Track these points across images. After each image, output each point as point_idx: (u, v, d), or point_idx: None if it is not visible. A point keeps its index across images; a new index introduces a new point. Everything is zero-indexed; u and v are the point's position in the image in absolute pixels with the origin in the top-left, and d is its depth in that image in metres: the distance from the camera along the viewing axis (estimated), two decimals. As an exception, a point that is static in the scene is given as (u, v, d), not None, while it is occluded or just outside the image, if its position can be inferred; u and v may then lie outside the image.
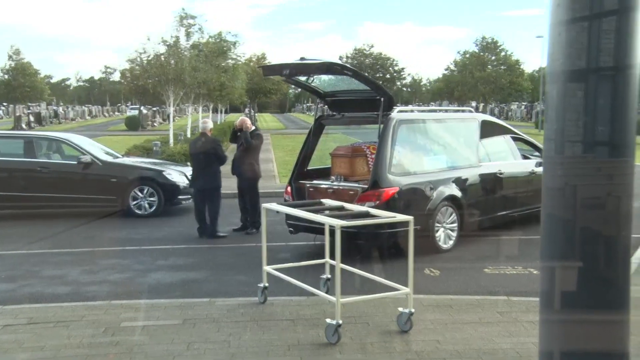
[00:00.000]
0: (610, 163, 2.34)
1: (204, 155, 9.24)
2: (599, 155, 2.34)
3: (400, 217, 5.23)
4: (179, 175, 11.57)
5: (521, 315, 5.26)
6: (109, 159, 11.80)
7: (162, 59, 22.40)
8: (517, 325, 5.06)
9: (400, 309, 5.02)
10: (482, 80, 58.32)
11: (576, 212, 2.40)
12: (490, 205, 8.70)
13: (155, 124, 52.51)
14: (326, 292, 5.70)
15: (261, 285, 5.82)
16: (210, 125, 9.78)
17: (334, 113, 8.85)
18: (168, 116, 30.15)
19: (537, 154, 9.97)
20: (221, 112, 51.11)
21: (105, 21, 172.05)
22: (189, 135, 26.33)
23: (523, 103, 60.16)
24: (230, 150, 17.30)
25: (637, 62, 2.30)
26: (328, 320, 4.76)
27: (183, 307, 5.68)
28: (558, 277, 2.49)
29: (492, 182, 8.79)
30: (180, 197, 11.46)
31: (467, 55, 62.48)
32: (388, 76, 68.97)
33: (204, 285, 6.72)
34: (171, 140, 23.16)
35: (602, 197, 2.37)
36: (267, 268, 5.85)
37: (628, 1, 2.25)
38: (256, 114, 57.25)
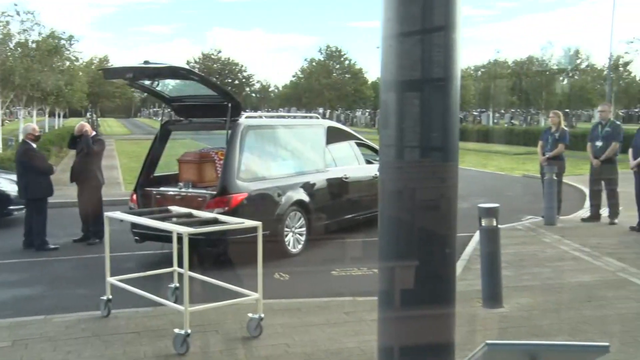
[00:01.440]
0: (443, 167, 2.50)
1: (23, 164, 8.62)
2: (434, 159, 2.49)
3: (249, 222, 5.22)
4: (10, 183, 10.56)
5: (366, 315, 5.48)
6: None
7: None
8: (362, 324, 5.27)
9: (250, 315, 5.00)
10: (328, 88, 60.33)
11: (414, 213, 2.53)
12: (337, 209, 8.99)
13: (-19, 128, 47.51)
14: (174, 302, 5.52)
15: (104, 297, 5.49)
16: (30, 129, 9.00)
17: (181, 118, 8.63)
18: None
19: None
20: (59, 116, 47.61)
21: None
22: (20, 140, 24.20)
23: (367, 110, 63.14)
24: (70, 156, 16.17)
25: (459, 73, 2.50)
26: (176, 330, 4.61)
27: (13, 327, 5.18)
28: (397, 276, 2.62)
29: (338, 187, 9.09)
30: (11, 207, 10.47)
31: (314, 63, 64.36)
32: (237, 82, 68.89)
33: (39, 301, 6.18)
34: (0, 146, 21.14)
35: (436, 199, 2.52)
36: (111, 279, 5.53)
37: (452, 19, 2.44)
38: (98, 119, 54.17)
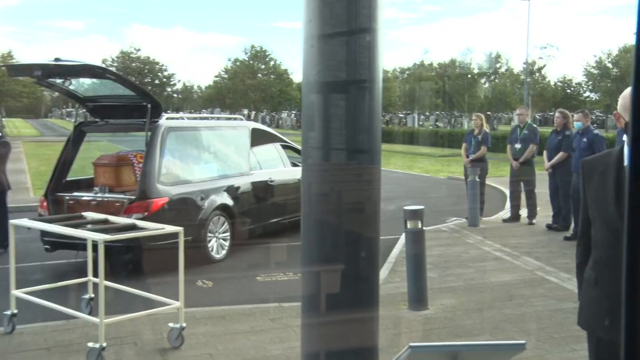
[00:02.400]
0: (368, 169, 2.54)
1: None
2: (361, 161, 2.52)
3: (169, 228, 5.10)
4: None
5: (292, 321, 5.48)
6: None
7: None
8: (288, 330, 5.26)
9: (171, 325, 4.88)
10: (252, 88, 60.04)
11: (341, 216, 2.55)
12: (262, 213, 8.95)
13: None
14: (89, 314, 5.31)
15: (8, 312, 5.20)
16: None
17: (97, 119, 8.33)
18: None
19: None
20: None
21: None
22: None
23: (292, 112, 63.35)
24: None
25: (381, 75, 2.55)
26: (90, 344, 4.43)
27: None
28: (321, 280, 2.63)
29: (263, 190, 9.05)
30: None
31: (238, 63, 63.88)
32: (157, 82, 67.31)
33: None
34: None
35: (362, 201, 2.55)
36: (16, 292, 5.25)
37: (375, 21, 2.49)
38: (3, 119, 51.48)
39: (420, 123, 52.49)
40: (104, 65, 7.69)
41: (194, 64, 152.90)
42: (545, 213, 10.27)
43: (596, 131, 9.23)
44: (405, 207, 5.93)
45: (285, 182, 9.55)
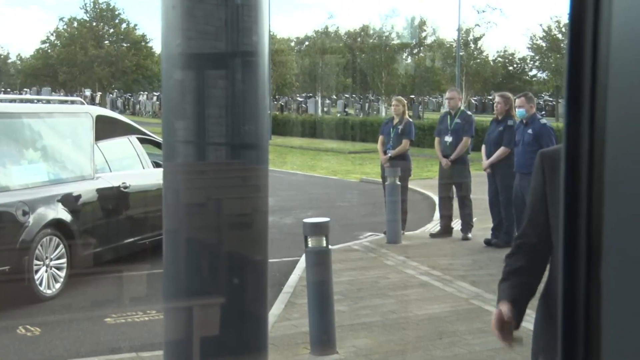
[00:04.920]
0: (256, 171, 2.54)
1: None
2: (247, 160, 2.53)
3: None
4: None
5: (155, 375, 5.40)
6: None
7: None
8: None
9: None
10: (98, 61, 58.44)
11: (220, 233, 2.55)
12: (112, 231, 8.75)
13: None
14: None
15: None
16: None
17: None
18: None
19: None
20: None
21: None
22: None
23: (155, 93, 62.18)
24: None
25: (268, 47, 2.56)
26: None
27: None
28: (196, 319, 2.61)
29: (114, 200, 8.86)
30: None
31: (75, 24, 61.92)
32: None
33: None
34: None
35: (249, 213, 2.56)
36: None
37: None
38: None
39: (325, 109, 53.23)
40: None
41: (8, 23, 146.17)
42: (483, 225, 10.70)
43: (544, 120, 9.65)
44: (306, 220, 5.99)
45: (145, 189, 9.38)
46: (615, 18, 0.81)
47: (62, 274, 7.94)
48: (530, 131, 9.13)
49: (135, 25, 64.02)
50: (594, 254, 0.84)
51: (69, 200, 8.17)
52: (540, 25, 54.48)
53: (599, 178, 0.84)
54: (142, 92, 63.89)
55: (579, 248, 0.86)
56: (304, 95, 58.73)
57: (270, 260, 3.12)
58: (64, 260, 7.98)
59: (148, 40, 63.69)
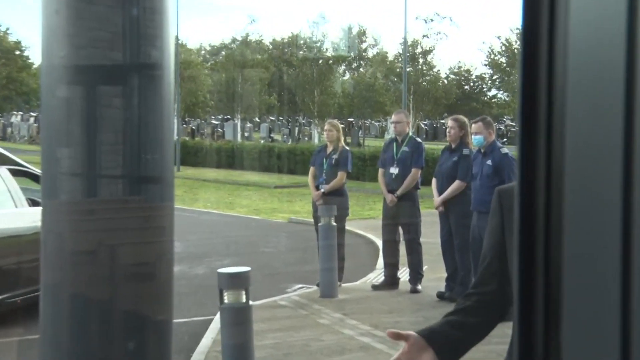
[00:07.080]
0: (160, 209, 2.53)
1: None
2: (149, 197, 2.53)
3: None
4: None
5: None
6: None
7: None
8: None
9: None
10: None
11: (115, 288, 2.52)
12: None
13: None
14: None
15: None
16: None
17: None
18: None
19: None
20: None
21: None
22: None
23: (32, 114, 61.36)
24: None
25: (173, 59, 2.57)
26: None
27: None
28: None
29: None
30: None
31: None
32: None
33: None
34: None
35: (152, 262, 2.54)
36: None
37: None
38: None
39: (246, 134, 53.26)
40: None
41: None
42: (435, 275, 10.80)
43: (505, 149, 9.68)
44: (222, 270, 5.96)
45: (17, 233, 9.21)
46: (572, 36, 0.84)
47: None
48: (489, 162, 9.12)
49: (7, 29, 63.15)
50: (553, 309, 0.86)
51: None
52: (499, 37, 55.75)
53: (557, 218, 0.86)
54: (15, 112, 62.87)
55: (536, 302, 0.88)
56: (219, 117, 58.67)
57: (176, 320, 3.10)
58: None
59: (24, 49, 62.83)
